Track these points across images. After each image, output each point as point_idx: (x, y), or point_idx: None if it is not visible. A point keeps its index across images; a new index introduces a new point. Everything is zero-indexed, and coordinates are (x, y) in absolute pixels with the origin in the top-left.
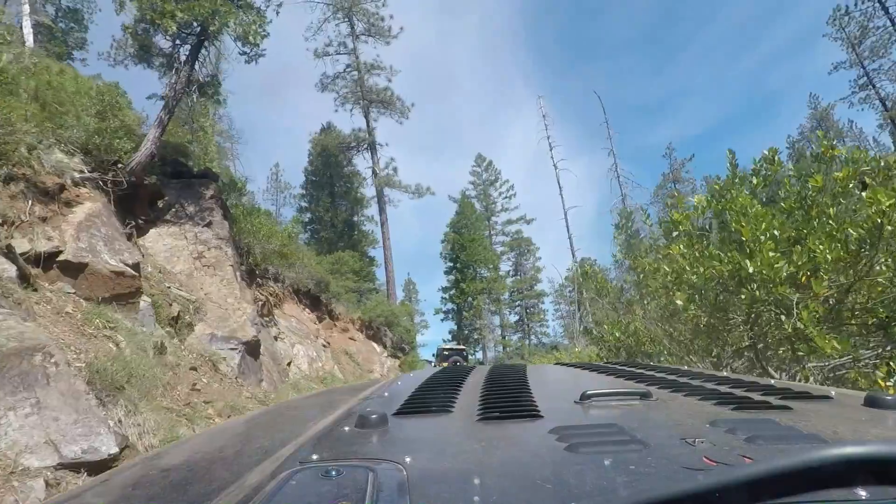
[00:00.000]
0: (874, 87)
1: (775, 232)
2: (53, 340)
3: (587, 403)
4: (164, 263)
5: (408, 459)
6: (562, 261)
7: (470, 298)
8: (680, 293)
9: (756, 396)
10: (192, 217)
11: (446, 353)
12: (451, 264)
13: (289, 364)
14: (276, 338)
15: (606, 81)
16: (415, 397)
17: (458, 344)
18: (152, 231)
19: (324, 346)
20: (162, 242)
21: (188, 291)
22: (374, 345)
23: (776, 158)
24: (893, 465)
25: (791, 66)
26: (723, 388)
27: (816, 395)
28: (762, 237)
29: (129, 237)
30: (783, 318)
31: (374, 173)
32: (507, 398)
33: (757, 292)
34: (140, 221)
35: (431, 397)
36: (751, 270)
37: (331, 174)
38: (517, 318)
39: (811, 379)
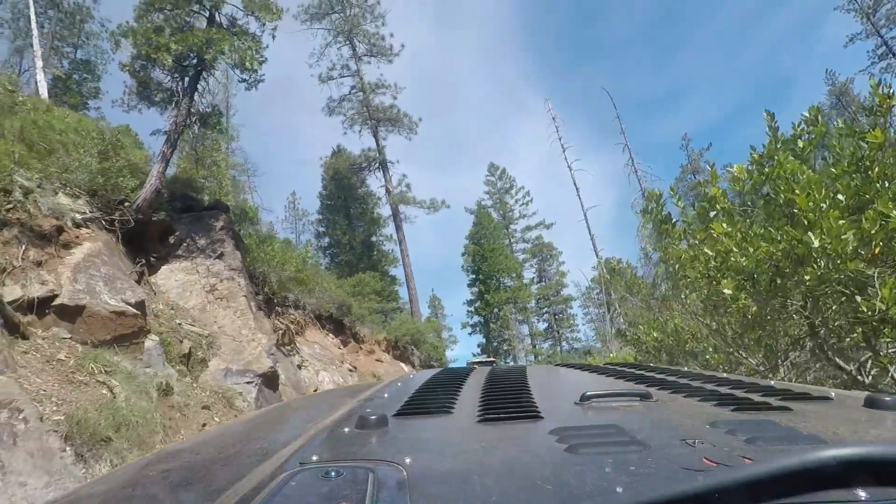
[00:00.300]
0: (894, 55)
1: (839, 197)
2: (30, 393)
3: (587, 404)
4: (177, 299)
5: (408, 460)
6: (586, 263)
7: (496, 309)
8: (726, 281)
9: (756, 397)
10: (203, 250)
11: (476, 365)
12: (474, 276)
13: (315, 391)
14: (299, 366)
15: (612, 78)
16: (415, 398)
17: (488, 356)
18: (164, 268)
19: (350, 370)
20: (174, 278)
21: (201, 326)
22: (402, 365)
23: (819, 118)
24: (893, 465)
25: (802, 46)
26: (723, 389)
27: (816, 396)
28: (822, 205)
29: (141, 275)
30: (857, 298)
31: (388, 191)
32: (507, 399)
33: (822, 270)
34: (152, 259)
35: (431, 398)
36: (816, 244)
37: (345, 197)
38: (546, 325)
39: (892, 369)
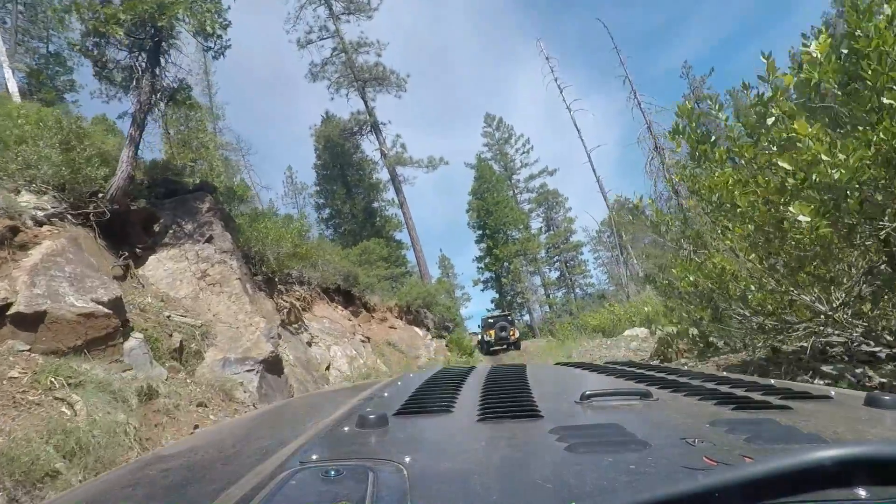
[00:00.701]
0: None
1: None
2: None
3: (587, 403)
4: (167, 290)
5: (408, 459)
6: (593, 206)
7: (506, 263)
8: (799, 204)
9: (756, 396)
10: (190, 235)
11: (491, 320)
12: (481, 232)
13: (327, 368)
14: (309, 343)
15: (605, 11)
16: (415, 397)
17: (503, 311)
18: (151, 258)
19: (363, 341)
20: (163, 268)
21: (194, 316)
22: (417, 329)
23: None
24: (893, 464)
25: None
26: (723, 388)
27: (816, 395)
28: None
29: (126, 269)
30: None
31: (383, 154)
32: (507, 398)
33: None
34: (138, 250)
35: (431, 397)
36: None
37: (341, 165)
38: (558, 273)
39: None
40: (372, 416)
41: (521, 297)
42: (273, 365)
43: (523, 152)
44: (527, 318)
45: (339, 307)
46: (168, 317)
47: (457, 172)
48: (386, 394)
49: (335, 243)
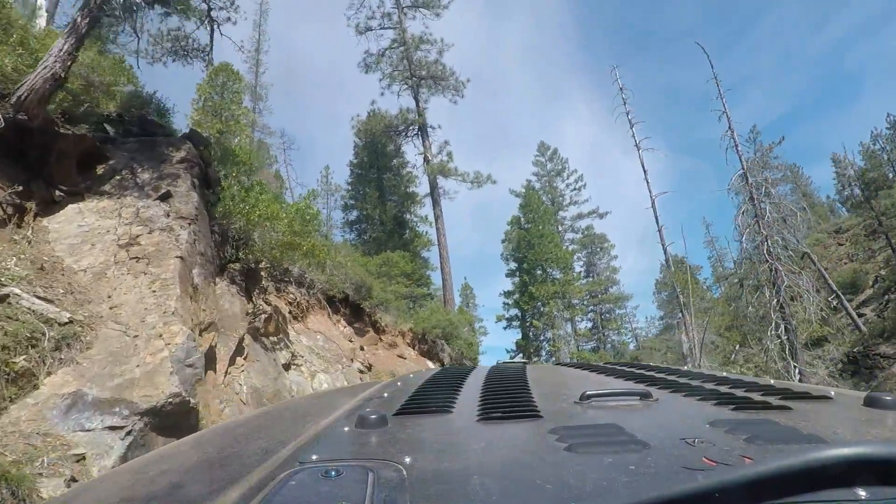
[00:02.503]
0: None
1: None
2: None
3: (587, 404)
4: (66, 255)
5: (407, 459)
6: (641, 259)
7: (539, 304)
8: None
9: (756, 397)
10: (142, 187)
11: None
12: (516, 265)
13: None
14: (287, 366)
15: (664, 70)
16: (415, 398)
17: (523, 357)
18: (70, 207)
19: (361, 370)
20: (78, 223)
21: (74, 303)
22: (429, 363)
23: None
24: (893, 465)
25: (870, 41)
26: (723, 389)
27: (816, 396)
28: None
29: (20, 213)
30: None
31: (426, 160)
32: (507, 398)
33: None
34: (58, 192)
35: (431, 398)
36: None
37: (378, 167)
38: (591, 324)
39: None
40: (372, 417)
41: (550, 343)
42: (172, 418)
43: (574, 189)
44: None
45: (343, 322)
46: (11, 297)
47: (494, 200)
48: (386, 394)
49: (356, 249)
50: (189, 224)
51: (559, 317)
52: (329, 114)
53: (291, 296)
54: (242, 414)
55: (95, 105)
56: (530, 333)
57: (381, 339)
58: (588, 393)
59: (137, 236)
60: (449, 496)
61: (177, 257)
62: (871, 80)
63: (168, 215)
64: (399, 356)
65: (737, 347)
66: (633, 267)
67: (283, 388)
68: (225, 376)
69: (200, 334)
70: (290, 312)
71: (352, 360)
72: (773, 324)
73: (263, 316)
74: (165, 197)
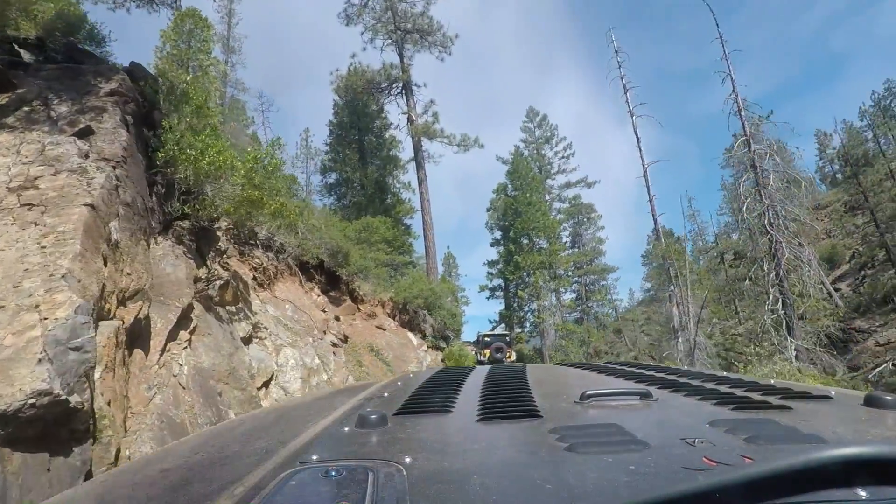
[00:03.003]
0: None
1: None
2: None
3: (587, 403)
4: None
5: (408, 459)
6: (627, 230)
7: (525, 274)
8: None
9: (756, 396)
10: (55, 121)
11: (487, 339)
12: (502, 234)
13: (265, 384)
14: (247, 339)
15: (652, 46)
16: (415, 397)
17: (505, 328)
18: None
19: (335, 343)
20: None
21: None
22: (410, 335)
23: None
24: (893, 465)
25: (855, 21)
26: (723, 388)
27: (816, 395)
28: None
29: None
30: None
31: (411, 120)
32: (507, 398)
33: None
34: None
35: (431, 397)
36: None
37: (359, 128)
38: (575, 295)
39: None
40: (372, 416)
41: (535, 315)
42: (38, 425)
43: (563, 157)
44: (537, 341)
45: (317, 290)
46: None
47: (478, 170)
48: (386, 394)
49: (335, 214)
50: (112, 167)
51: (545, 287)
52: (312, 76)
53: (257, 261)
54: (178, 401)
55: (11, 26)
56: (514, 304)
57: (359, 309)
58: (588, 393)
59: (36, 178)
60: (449, 496)
61: (85, 205)
62: (856, 59)
63: (86, 156)
64: (378, 327)
65: (735, 321)
66: (618, 240)
67: (241, 366)
68: (161, 355)
69: (121, 305)
70: (254, 279)
71: (325, 331)
72: (771, 298)
73: (219, 282)
74: (85, 134)
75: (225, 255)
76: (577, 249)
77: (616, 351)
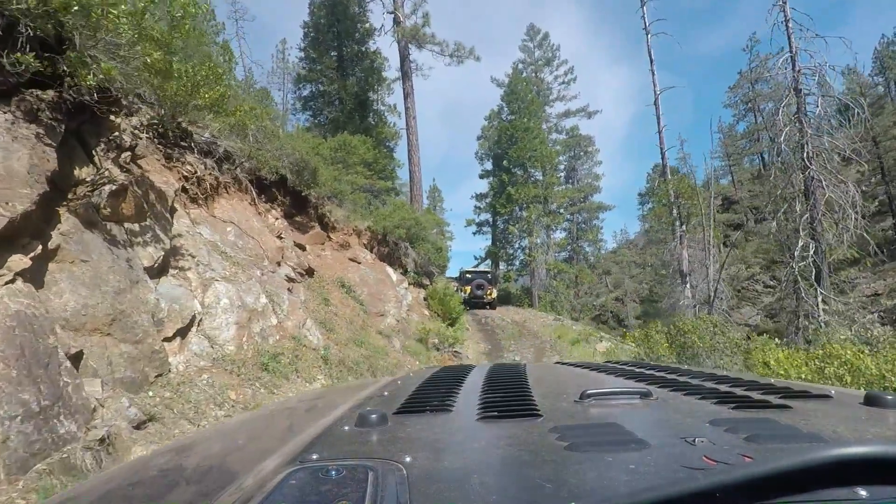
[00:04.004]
0: None
1: None
2: None
3: (587, 402)
4: None
5: (408, 459)
6: (621, 171)
7: (517, 208)
8: None
9: (756, 395)
10: None
11: (469, 275)
12: (493, 165)
13: (179, 334)
14: (159, 271)
15: None
16: (415, 396)
17: (490, 265)
18: None
19: (293, 278)
20: None
21: None
22: (389, 269)
23: None
24: (893, 464)
25: None
26: (723, 388)
27: (816, 395)
28: None
29: None
30: None
31: (397, 21)
32: (507, 397)
33: None
34: None
35: (431, 396)
36: None
37: (338, 32)
38: (566, 234)
39: None
40: (372, 416)
41: (525, 253)
42: None
43: (563, 82)
44: (526, 280)
45: (276, 213)
46: None
47: (465, 101)
48: (386, 393)
49: (309, 132)
50: None
51: (538, 223)
52: None
53: (190, 168)
54: None
55: None
56: (503, 240)
57: (329, 237)
58: (588, 392)
59: None
60: (449, 495)
61: None
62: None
63: None
64: (352, 259)
65: (743, 267)
66: (607, 179)
67: (138, 307)
68: None
69: None
70: (185, 191)
71: (279, 262)
72: (801, 244)
73: (110, 188)
74: None
75: (132, 153)
76: (571, 185)
77: (595, 292)
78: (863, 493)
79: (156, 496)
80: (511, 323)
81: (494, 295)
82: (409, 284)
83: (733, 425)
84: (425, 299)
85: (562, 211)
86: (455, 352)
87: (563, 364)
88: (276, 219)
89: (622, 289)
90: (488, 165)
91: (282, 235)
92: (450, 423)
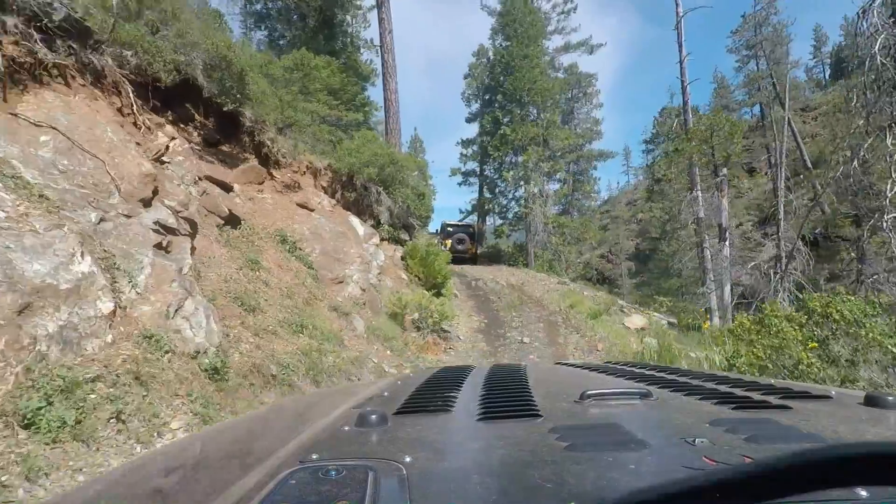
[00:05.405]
0: None
1: None
2: None
3: (587, 403)
4: None
5: (408, 459)
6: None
7: (513, 152)
8: None
9: (756, 396)
10: None
11: (450, 229)
12: (483, 105)
13: None
14: None
15: None
16: (415, 397)
17: (477, 218)
18: None
19: (170, 228)
20: None
21: None
22: (355, 220)
23: None
24: (893, 464)
25: None
26: (723, 388)
27: (816, 395)
28: None
29: None
30: None
31: None
32: (507, 397)
33: None
34: None
35: (431, 397)
36: None
37: None
38: (561, 184)
39: None
40: (372, 416)
41: (521, 205)
42: None
43: (563, 12)
44: (520, 236)
45: (170, 130)
46: None
47: (445, 51)
48: (386, 393)
49: (267, 55)
50: None
51: (537, 170)
52: None
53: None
54: None
55: None
56: (495, 190)
57: (271, 175)
58: (588, 392)
59: None
60: (449, 495)
61: None
62: None
63: None
64: (302, 206)
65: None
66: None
67: None
68: None
69: None
70: None
71: (146, 202)
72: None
73: None
74: None
75: None
76: (568, 129)
77: (579, 249)
78: (863, 493)
79: (156, 497)
80: (507, 286)
81: (476, 250)
82: (383, 240)
83: (733, 426)
84: (403, 259)
85: (560, 157)
86: (442, 330)
87: (563, 365)
88: (173, 138)
89: (611, 246)
90: (475, 108)
91: (164, 159)
92: (450, 424)
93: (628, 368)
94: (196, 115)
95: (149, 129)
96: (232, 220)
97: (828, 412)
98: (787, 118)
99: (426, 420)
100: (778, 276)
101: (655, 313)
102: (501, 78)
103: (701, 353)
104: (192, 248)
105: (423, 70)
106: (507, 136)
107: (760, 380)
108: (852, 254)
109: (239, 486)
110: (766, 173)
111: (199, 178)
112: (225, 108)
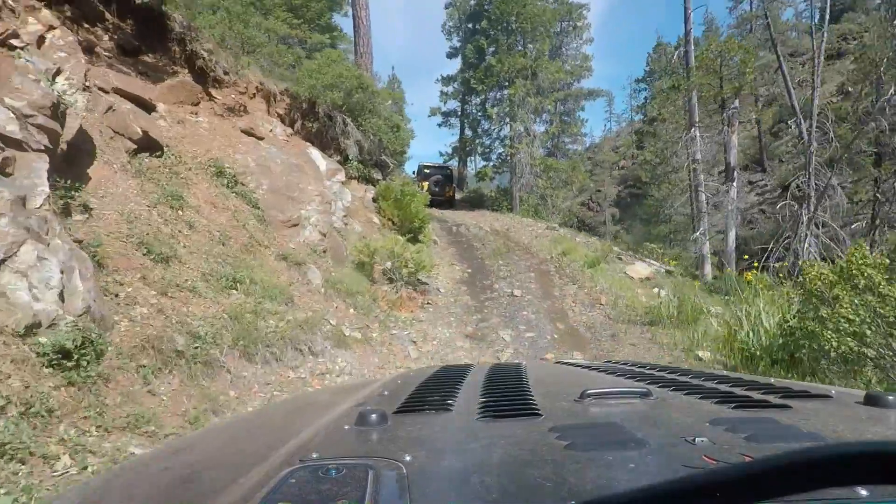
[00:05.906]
0: None
1: None
2: None
3: (587, 402)
4: None
5: (408, 458)
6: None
7: (499, 87)
8: None
9: (756, 395)
10: None
11: (427, 171)
12: (466, 34)
13: None
14: None
15: None
16: (415, 395)
17: (459, 162)
18: None
19: (14, 139)
20: None
21: None
22: (315, 152)
23: None
24: (893, 463)
25: None
26: (723, 387)
27: (816, 394)
28: None
29: None
30: None
31: None
32: (507, 397)
33: None
34: None
35: (431, 395)
36: None
37: None
38: (550, 124)
39: None
40: (372, 415)
41: (505, 145)
42: None
43: None
44: (503, 179)
45: (70, 30)
46: None
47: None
48: (386, 392)
49: None
50: None
51: (524, 105)
52: None
53: None
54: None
55: None
56: (477, 129)
57: (209, 94)
58: (588, 391)
59: None
60: (449, 493)
61: None
62: None
63: None
64: (248, 132)
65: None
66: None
67: None
68: None
69: None
70: None
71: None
72: None
73: None
74: None
75: None
76: (558, 61)
77: (561, 195)
78: (863, 492)
79: (155, 496)
80: (491, 232)
81: (454, 194)
82: (351, 178)
83: (733, 425)
84: (375, 200)
85: (549, 94)
86: (419, 282)
87: (563, 364)
88: (51, 27)
89: (592, 193)
90: (456, 42)
91: (15, 44)
92: (450, 423)
93: (628, 368)
94: (106, 12)
95: (12, 10)
96: (150, 146)
97: (828, 411)
98: (824, 33)
99: (426, 419)
100: (808, 217)
101: (653, 261)
102: (487, 2)
103: (738, 311)
104: (62, 174)
105: (401, 9)
106: (492, 67)
107: (760, 379)
108: (870, 195)
109: (239, 485)
110: (754, 119)
111: (105, 91)
112: (162, 16)
